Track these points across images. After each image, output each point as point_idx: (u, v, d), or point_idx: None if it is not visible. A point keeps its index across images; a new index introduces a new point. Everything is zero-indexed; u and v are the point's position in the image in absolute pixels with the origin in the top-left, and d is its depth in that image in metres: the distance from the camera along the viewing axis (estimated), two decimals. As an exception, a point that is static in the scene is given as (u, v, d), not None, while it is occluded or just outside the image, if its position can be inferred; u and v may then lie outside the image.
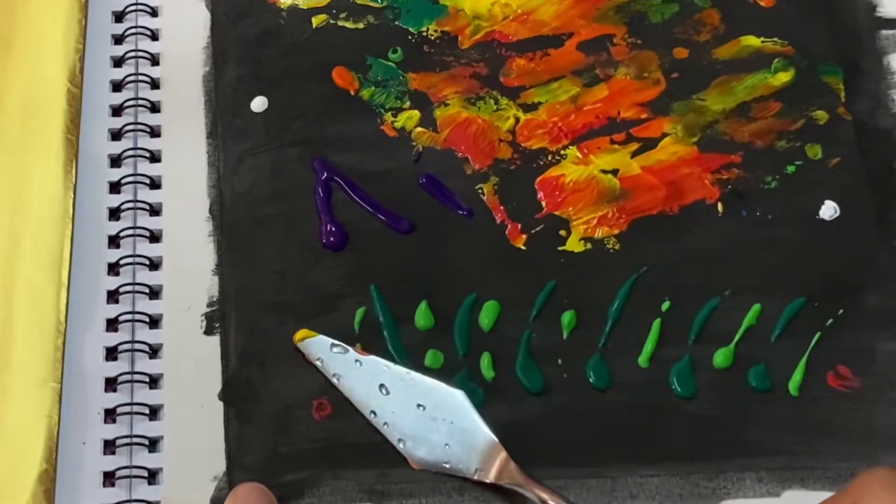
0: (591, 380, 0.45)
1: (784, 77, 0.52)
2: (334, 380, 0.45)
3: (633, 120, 0.51)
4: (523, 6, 0.54)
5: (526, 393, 0.45)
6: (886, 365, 0.45)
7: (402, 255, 0.48)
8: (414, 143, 0.50)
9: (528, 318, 0.46)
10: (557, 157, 0.50)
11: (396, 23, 0.53)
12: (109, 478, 0.44)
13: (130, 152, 0.50)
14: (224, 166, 0.50)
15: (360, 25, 0.53)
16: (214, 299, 0.47)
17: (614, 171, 0.50)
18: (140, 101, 0.51)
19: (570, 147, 0.50)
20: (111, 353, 0.46)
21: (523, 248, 0.48)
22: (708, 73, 0.52)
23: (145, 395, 0.45)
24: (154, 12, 0.54)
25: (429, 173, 0.49)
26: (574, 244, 0.48)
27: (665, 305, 0.47)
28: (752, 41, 0.53)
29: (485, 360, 0.45)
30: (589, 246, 0.48)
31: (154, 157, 0.50)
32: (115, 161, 0.50)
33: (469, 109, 0.51)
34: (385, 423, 0.43)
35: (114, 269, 0.48)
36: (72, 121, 0.50)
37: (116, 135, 0.51)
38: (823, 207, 0.49)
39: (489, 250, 0.48)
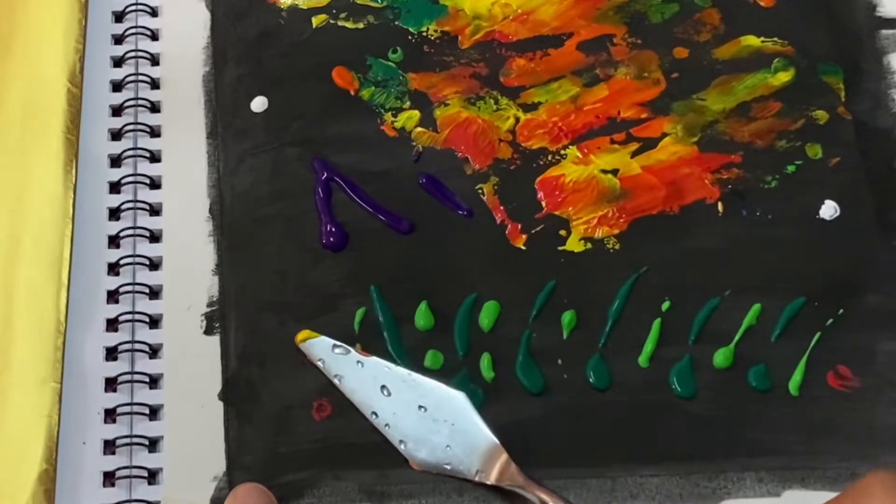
0: (591, 380, 0.45)
1: (784, 77, 0.52)
2: (336, 381, 0.45)
3: (633, 120, 0.51)
4: (523, 6, 0.54)
5: (526, 393, 0.45)
6: (886, 365, 0.45)
7: (402, 255, 0.48)
8: (414, 143, 0.50)
9: (528, 319, 0.46)
10: (557, 157, 0.50)
11: (396, 23, 0.53)
12: (109, 478, 0.44)
13: (130, 152, 0.50)
14: (224, 166, 0.50)
15: (360, 25, 0.53)
16: (214, 299, 0.47)
17: (614, 171, 0.50)
18: (140, 101, 0.51)
19: (570, 147, 0.50)
20: (111, 353, 0.46)
21: (523, 248, 0.48)
22: (708, 73, 0.52)
23: (145, 395, 0.45)
24: (154, 12, 0.54)
25: (429, 173, 0.49)
26: (574, 244, 0.48)
27: (665, 305, 0.47)
28: (752, 41, 0.53)
29: (485, 361, 0.45)
30: (589, 246, 0.48)
31: (154, 157, 0.50)
32: (115, 161, 0.50)
33: (469, 109, 0.51)
34: (386, 425, 0.43)
35: (114, 269, 0.48)
36: (72, 121, 0.50)
37: (116, 135, 0.51)
38: (823, 207, 0.49)
39: (489, 250, 0.48)
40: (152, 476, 0.44)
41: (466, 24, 0.53)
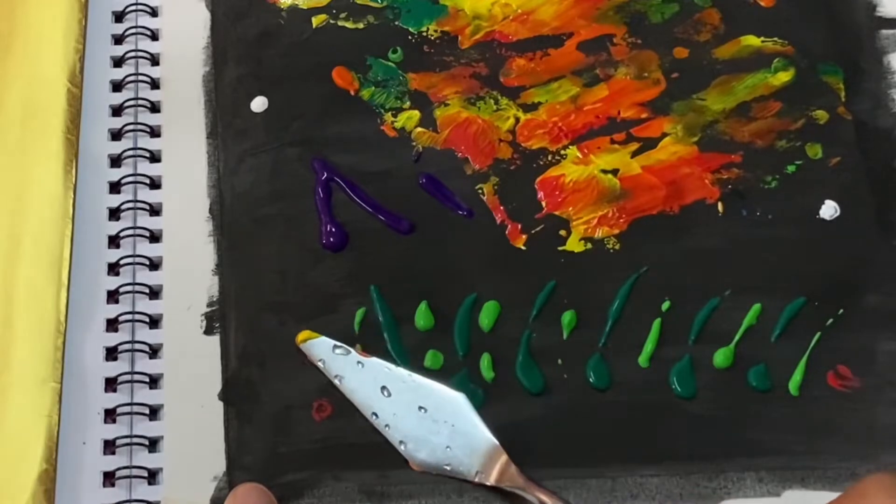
0: (591, 380, 0.45)
1: (784, 77, 0.52)
2: (336, 381, 0.45)
3: (633, 120, 0.51)
4: (523, 6, 0.54)
5: (526, 393, 0.45)
6: (886, 365, 0.45)
7: (402, 255, 0.48)
8: (414, 143, 0.50)
9: (528, 319, 0.46)
10: (557, 157, 0.50)
11: (396, 23, 0.53)
12: (109, 478, 0.44)
13: (130, 152, 0.50)
14: (224, 166, 0.50)
15: (360, 25, 0.53)
16: (214, 299, 0.47)
17: (614, 171, 0.50)
18: (140, 101, 0.51)
19: (570, 147, 0.50)
20: (111, 353, 0.46)
21: (523, 248, 0.48)
22: (708, 73, 0.52)
23: (145, 395, 0.45)
24: (154, 12, 0.54)
25: (429, 173, 0.49)
26: (574, 244, 0.48)
27: (665, 305, 0.47)
28: (752, 41, 0.53)
29: (485, 361, 0.45)
30: (589, 246, 0.48)
31: (154, 157, 0.50)
32: (115, 161, 0.50)
33: (469, 109, 0.51)
34: (386, 425, 0.43)
35: (114, 269, 0.48)
36: (72, 121, 0.50)
37: (116, 135, 0.51)
38: (823, 207, 0.49)
39: (489, 250, 0.48)
40: (152, 476, 0.44)
41: (466, 24, 0.53)
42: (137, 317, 0.46)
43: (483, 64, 0.52)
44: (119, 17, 0.54)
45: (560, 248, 0.48)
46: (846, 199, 0.49)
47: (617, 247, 0.48)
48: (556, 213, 0.49)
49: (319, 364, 0.45)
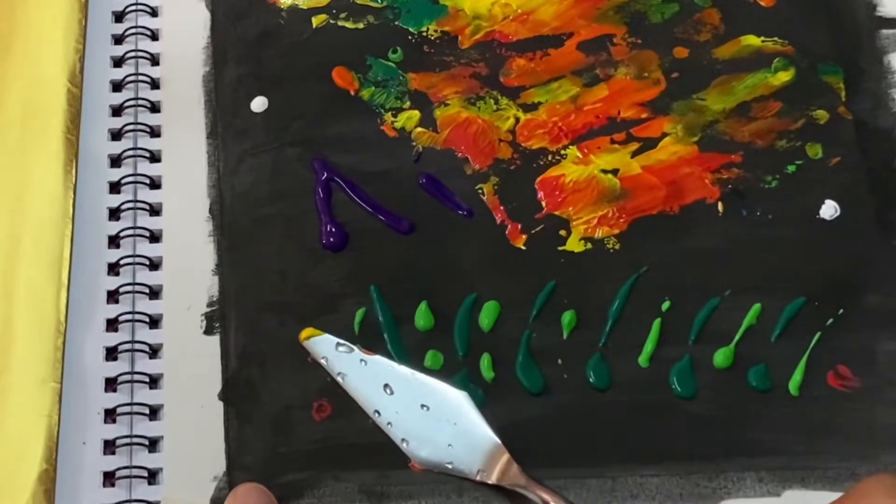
0: (591, 380, 0.45)
1: (784, 77, 0.52)
2: (339, 378, 0.45)
3: (633, 120, 0.51)
4: (523, 6, 0.54)
5: (526, 393, 0.45)
6: (886, 365, 0.45)
7: (402, 255, 0.48)
8: (414, 143, 0.50)
9: (528, 319, 0.46)
10: (557, 157, 0.50)
11: (396, 23, 0.53)
12: (109, 478, 0.44)
13: (130, 152, 0.50)
14: (224, 166, 0.50)
15: (360, 25, 0.53)
16: (214, 299, 0.47)
17: (614, 171, 0.50)
18: (140, 101, 0.51)
19: (570, 147, 0.50)
20: (111, 353, 0.46)
21: (523, 248, 0.48)
22: (708, 73, 0.52)
23: (145, 395, 0.45)
24: (154, 12, 0.54)
25: (429, 173, 0.49)
26: (574, 244, 0.48)
27: (665, 305, 0.47)
28: (752, 41, 0.53)
29: (485, 361, 0.45)
30: (589, 246, 0.48)
31: (154, 157, 0.50)
32: (115, 161, 0.50)
33: (469, 109, 0.51)
34: (389, 423, 0.43)
35: (114, 269, 0.48)
36: (72, 121, 0.50)
37: (116, 135, 0.51)
38: (824, 207, 0.49)
39: (489, 250, 0.48)
40: (152, 476, 0.44)
41: (466, 24, 0.53)
42: (137, 317, 0.46)
43: (483, 64, 0.52)
44: (119, 17, 0.54)
45: (560, 248, 0.48)
46: (846, 199, 0.49)
47: (617, 247, 0.48)
48: (556, 213, 0.49)
49: (322, 361, 0.45)
